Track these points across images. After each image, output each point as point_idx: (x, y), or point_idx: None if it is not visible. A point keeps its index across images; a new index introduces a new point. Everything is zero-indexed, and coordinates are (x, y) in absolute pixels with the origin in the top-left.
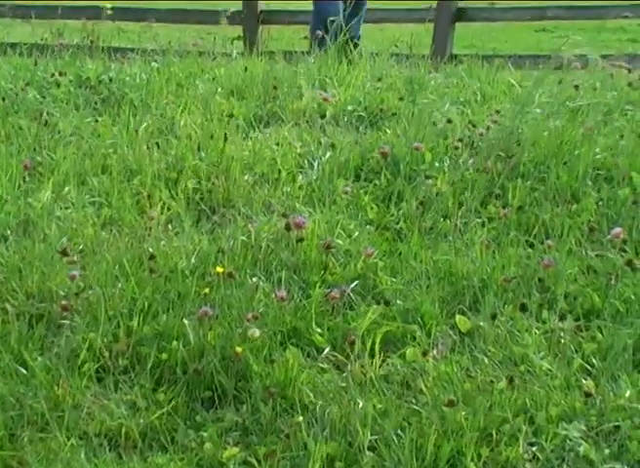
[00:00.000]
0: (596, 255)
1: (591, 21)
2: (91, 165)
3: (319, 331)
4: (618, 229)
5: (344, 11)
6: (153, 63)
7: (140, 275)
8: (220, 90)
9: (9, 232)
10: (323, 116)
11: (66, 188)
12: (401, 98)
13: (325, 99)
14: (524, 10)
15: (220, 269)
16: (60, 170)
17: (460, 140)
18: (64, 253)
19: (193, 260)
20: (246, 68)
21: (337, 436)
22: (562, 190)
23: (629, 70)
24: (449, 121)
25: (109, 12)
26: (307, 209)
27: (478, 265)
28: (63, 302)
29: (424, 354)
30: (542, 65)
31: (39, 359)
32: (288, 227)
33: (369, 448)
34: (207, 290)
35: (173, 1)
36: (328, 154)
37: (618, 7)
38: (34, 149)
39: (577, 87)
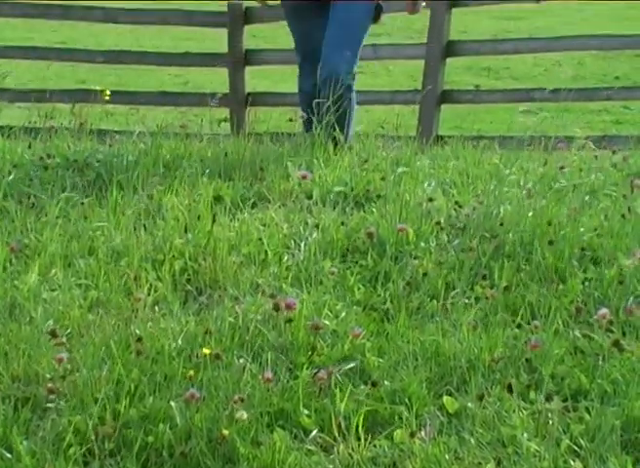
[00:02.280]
0: (583, 336)
1: (576, 103)
2: (77, 247)
3: (306, 412)
4: (604, 310)
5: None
6: (141, 145)
7: (126, 357)
8: (207, 171)
9: None
10: (310, 197)
11: (53, 270)
12: (387, 179)
13: (304, 177)
14: (509, 92)
15: (206, 351)
16: (46, 252)
17: (446, 221)
18: (53, 334)
19: (180, 342)
20: (233, 150)
21: None
22: (548, 270)
23: (614, 151)
24: (434, 201)
25: (107, 98)
26: (294, 289)
27: (465, 346)
28: (49, 385)
29: (412, 435)
30: (527, 146)
31: (24, 443)
32: (277, 308)
33: None
34: (194, 371)
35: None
36: (314, 235)
37: (603, 89)
38: (21, 232)
39: (561, 168)
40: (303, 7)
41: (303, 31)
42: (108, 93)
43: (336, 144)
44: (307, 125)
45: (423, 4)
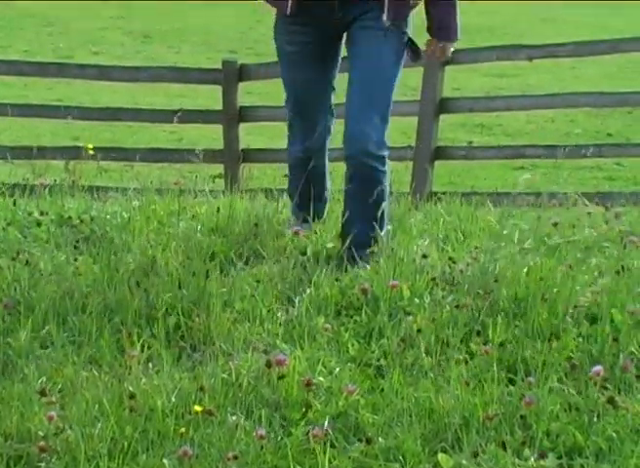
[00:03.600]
0: (578, 393)
1: (569, 160)
2: (71, 304)
3: None
4: (598, 367)
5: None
6: (134, 202)
7: (119, 414)
8: (201, 227)
9: None
10: (303, 253)
11: (46, 327)
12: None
13: (296, 233)
14: (502, 149)
15: (199, 408)
16: (39, 309)
17: (440, 277)
18: (42, 394)
19: (173, 399)
20: (227, 206)
21: None
22: (542, 327)
23: (606, 208)
24: (428, 258)
25: (91, 152)
26: (288, 346)
27: (460, 402)
28: (42, 443)
29: None
30: (521, 203)
31: None
32: (269, 364)
33: None
34: (187, 429)
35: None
36: (308, 291)
37: (595, 146)
38: (14, 289)
39: (555, 224)
40: (306, 47)
41: (299, 79)
42: (91, 146)
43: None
44: (301, 200)
45: (453, 48)
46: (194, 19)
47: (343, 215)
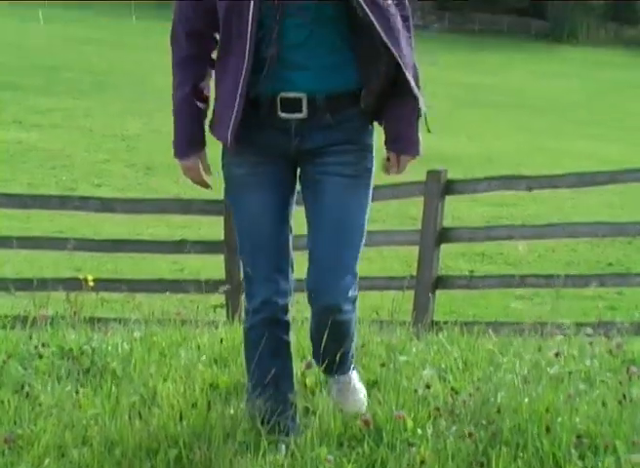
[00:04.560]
0: None
1: (570, 289)
2: (71, 436)
3: None
4: None
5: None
6: (136, 333)
7: None
8: (202, 358)
9: None
10: (305, 385)
11: (46, 460)
12: (382, 365)
13: (308, 367)
14: (503, 278)
15: None
16: (39, 442)
17: (443, 408)
18: None
19: None
20: (228, 336)
21: None
22: (545, 458)
23: (608, 338)
24: (430, 388)
25: (91, 284)
26: None
27: None
28: None
29: None
30: (522, 332)
31: None
32: None
33: None
34: None
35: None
36: (311, 422)
37: (596, 275)
38: (15, 422)
39: (557, 354)
40: (258, 168)
41: (253, 204)
42: (91, 278)
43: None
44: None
45: (409, 159)
46: None
47: (313, 342)
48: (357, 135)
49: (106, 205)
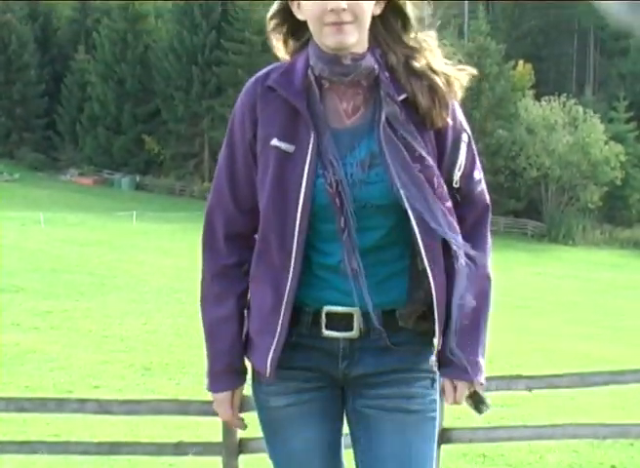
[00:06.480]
0: None
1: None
2: None
3: None
4: None
5: None
6: None
7: None
8: None
9: None
10: None
11: None
12: None
13: None
14: None
15: None
16: None
17: None
18: None
19: None
20: None
21: None
22: None
23: None
24: None
25: None
26: None
27: None
28: None
29: None
30: None
31: None
32: None
33: None
34: None
35: None
36: None
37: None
38: None
39: None
40: (302, 397)
41: (296, 441)
42: None
43: None
44: None
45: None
46: (197, 346)
47: None
48: (418, 359)
49: (104, 407)
